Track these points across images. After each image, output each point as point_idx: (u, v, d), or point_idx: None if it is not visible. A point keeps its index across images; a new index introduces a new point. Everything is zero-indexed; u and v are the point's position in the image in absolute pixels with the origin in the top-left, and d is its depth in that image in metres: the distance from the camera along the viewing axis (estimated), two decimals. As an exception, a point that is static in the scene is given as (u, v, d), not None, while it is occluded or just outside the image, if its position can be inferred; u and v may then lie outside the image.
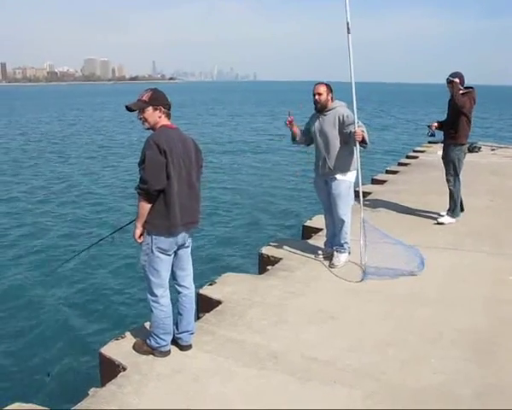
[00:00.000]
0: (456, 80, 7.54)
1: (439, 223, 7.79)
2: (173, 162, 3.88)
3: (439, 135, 8.36)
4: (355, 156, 6.04)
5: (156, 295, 4.10)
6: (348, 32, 5.78)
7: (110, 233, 5.12)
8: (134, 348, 4.26)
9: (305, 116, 6.57)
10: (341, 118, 5.90)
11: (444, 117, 8.14)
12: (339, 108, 5.99)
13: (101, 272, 9.96)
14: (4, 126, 42.94)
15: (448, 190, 7.95)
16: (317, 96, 6.00)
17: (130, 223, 4.51)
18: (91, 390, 3.86)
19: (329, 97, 6.02)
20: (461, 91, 7.58)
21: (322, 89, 6.00)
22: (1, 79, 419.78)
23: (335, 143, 5.98)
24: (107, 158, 25.28)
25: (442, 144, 8.25)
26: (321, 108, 6.04)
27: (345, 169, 6.04)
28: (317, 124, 6.11)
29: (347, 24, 5.76)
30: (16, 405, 3.56)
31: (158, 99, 4.01)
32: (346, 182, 6.07)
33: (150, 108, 3.98)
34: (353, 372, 3.95)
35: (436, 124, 8.11)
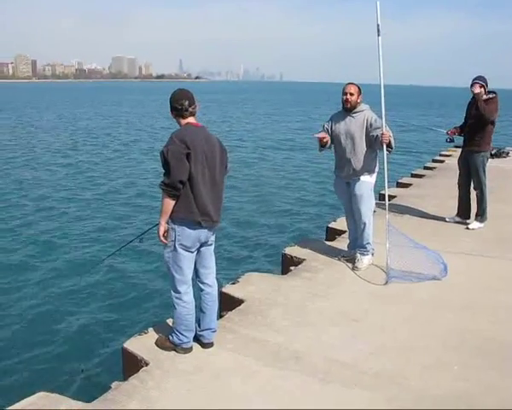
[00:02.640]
0: (479, 91, 7.45)
1: (468, 228, 7.73)
2: (196, 158, 3.94)
3: (458, 140, 8.32)
4: (377, 159, 6.04)
5: (179, 292, 4.14)
6: (378, 35, 5.73)
7: (139, 235, 5.17)
8: (156, 343, 4.30)
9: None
10: (370, 120, 5.86)
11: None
12: (367, 111, 5.95)
13: (125, 268, 10.06)
14: (44, 121, 44.18)
15: (469, 196, 7.95)
16: (348, 96, 5.93)
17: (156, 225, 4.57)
18: (114, 384, 3.92)
19: (359, 99, 5.97)
20: (484, 97, 7.50)
21: (354, 89, 5.95)
22: (31, 76, 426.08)
23: (362, 145, 5.94)
24: (147, 154, 25.78)
25: (461, 149, 8.21)
26: (350, 109, 5.98)
27: (368, 171, 6.02)
28: (343, 124, 6.03)
29: (378, 26, 5.72)
30: (42, 394, 3.62)
31: (170, 104, 4.15)
32: (368, 183, 6.06)
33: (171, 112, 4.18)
34: (374, 376, 3.93)
35: (456, 130, 8.07)
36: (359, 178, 6.00)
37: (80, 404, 3.60)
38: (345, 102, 5.99)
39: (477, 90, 7.47)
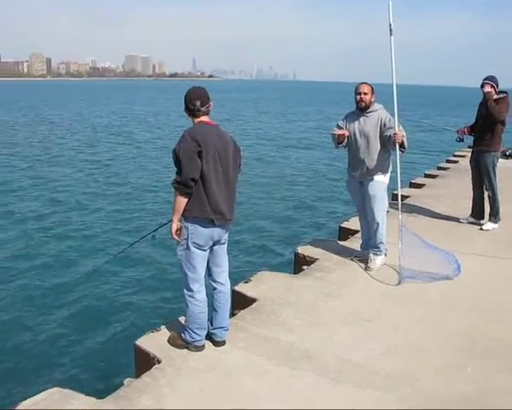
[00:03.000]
0: (489, 90, 7.43)
1: (482, 229, 7.68)
2: (208, 155, 3.95)
3: (469, 139, 8.27)
4: (391, 159, 6.04)
5: (192, 290, 4.15)
6: (391, 34, 5.74)
7: (151, 231, 5.19)
8: (169, 341, 4.32)
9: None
10: (384, 120, 5.84)
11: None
12: (381, 111, 5.94)
13: (138, 265, 10.13)
14: (61, 117, 45.18)
15: (483, 196, 7.92)
16: (362, 95, 5.92)
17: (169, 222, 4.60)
18: (126, 380, 3.94)
19: (373, 98, 5.95)
20: (494, 97, 7.46)
21: (367, 88, 5.94)
22: (45, 74, 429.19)
23: (376, 144, 5.92)
24: (159, 152, 26.23)
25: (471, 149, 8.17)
26: (364, 108, 5.97)
27: (382, 171, 6.01)
28: (357, 124, 6.02)
29: (390, 26, 5.73)
30: (55, 389, 3.66)
31: (184, 103, 4.17)
32: (382, 183, 6.04)
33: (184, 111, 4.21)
34: (386, 376, 3.92)
35: (466, 129, 8.01)
36: (373, 178, 5.99)
37: (93, 400, 3.61)
38: (359, 101, 5.97)
39: (487, 89, 7.45)
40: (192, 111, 4.12)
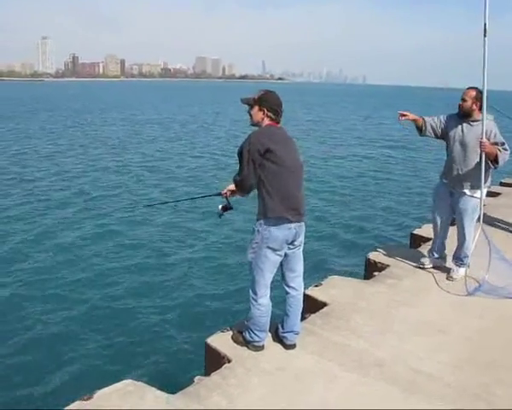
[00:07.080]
0: None
1: None
2: (276, 155, 3.94)
3: None
4: (490, 173, 5.79)
5: (256, 294, 4.18)
6: (485, 35, 5.43)
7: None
8: (232, 337, 4.37)
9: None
10: (488, 134, 5.58)
11: None
12: (488, 123, 5.62)
13: (215, 265, 10.35)
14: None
15: None
16: (461, 102, 5.74)
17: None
18: (197, 378, 3.99)
19: (475, 106, 5.68)
20: None
21: (469, 95, 5.69)
22: (119, 75, 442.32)
23: (474, 156, 5.69)
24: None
25: None
26: (463, 115, 5.77)
27: (475, 185, 5.76)
28: (459, 130, 5.80)
29: (484, 26, 5.41)
30: (129, 381, 3.76)
31: (265, 100, 4.11)
32: (474, 200, 5.80)
33: (256, 107, 4.11)
34: (460, 390, 3.81)
35: None
36: (464, 192, 5.80)
37: (164, 394, 3.68)
38: (458, 106, 5.81)
39: None
40: (277, 114, 4.12)
